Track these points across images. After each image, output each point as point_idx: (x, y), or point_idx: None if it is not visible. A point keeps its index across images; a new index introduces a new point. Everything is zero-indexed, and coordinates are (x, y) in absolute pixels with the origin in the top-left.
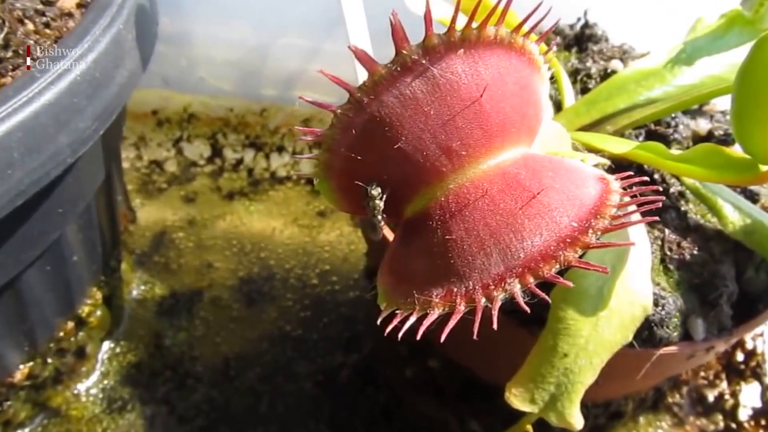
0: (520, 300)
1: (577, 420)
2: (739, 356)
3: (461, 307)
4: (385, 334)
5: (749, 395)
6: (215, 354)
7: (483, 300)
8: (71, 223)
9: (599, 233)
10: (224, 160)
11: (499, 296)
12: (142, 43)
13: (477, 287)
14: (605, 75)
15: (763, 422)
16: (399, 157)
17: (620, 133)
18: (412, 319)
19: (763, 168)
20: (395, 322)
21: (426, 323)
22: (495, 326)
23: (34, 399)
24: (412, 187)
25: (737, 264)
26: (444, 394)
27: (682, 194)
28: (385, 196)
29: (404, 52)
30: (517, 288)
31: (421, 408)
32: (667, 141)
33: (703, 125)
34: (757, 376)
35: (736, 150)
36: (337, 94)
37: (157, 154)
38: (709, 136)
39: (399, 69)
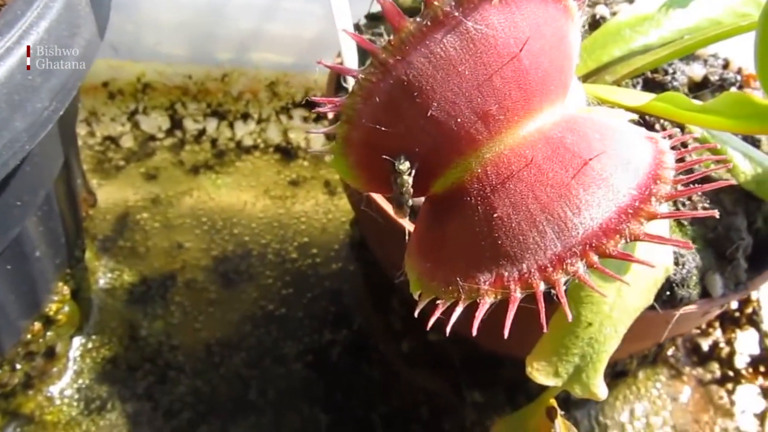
0: (589, 281)
1: (601, 390)
2: (733, 303)
3: (517, 294)
4: (428, 328)
5: (745, 342)
6: (196, 341)
7: (542, 284)
8: (31, 216)
9: (663, 200)
10: (185, 131)
11: (561, 279)
12: (97, 6)
13: (533, 270)
14: (594, 22)
15: (762, 369)
16: (429, 126)
17: (618, 83)
18: (459, 310)
19: None
20: (437, 313)
21: (479, 314)
22: (569, 317)
23: (4, 408)
24: (443, 159)
25: (747, 214)
26: (443, 367)
27: (685, 145)
28: (413, 171)
29: (435, 3)
30: (580, 268)
31: (420, 382)
32: (665, 88)
33: (697, 71)
34: (754, 323)
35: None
36: (298, 54)
37: (111, 130)
38: (705, 82)
39: (429, 24)
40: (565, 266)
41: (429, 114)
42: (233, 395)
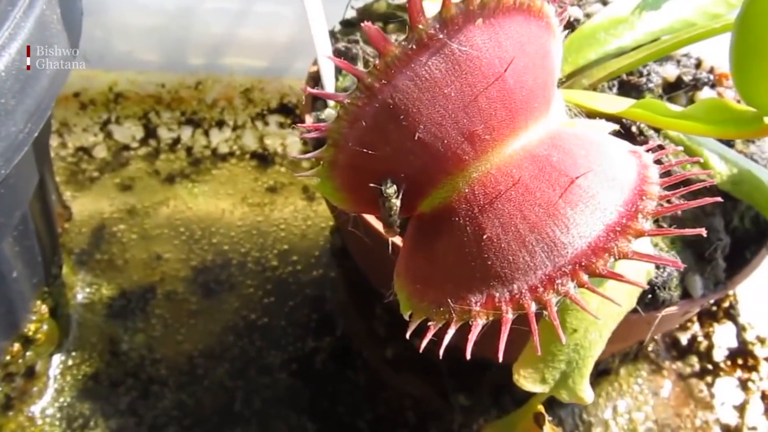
0: (580, 302)
1: (588, 394)
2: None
3: (509, 315)
4: (420, 350)
5: (723, 336)
6: (178, 353)
7: (533, 305)
8: (7, 237)
9: (649, 217)
10: (159, 140)
11: (552, 299)
12: (69, 21)
13: (524, 290)
14: (568, 24)
15: (740, 361)
16: (416, 148)
17: (594, 87)
18: (451, 332)
19: (767, 120)
20: (429, 335)
21: (472, 337)
22: (562, 339)
23: None
24: (430, 179)
25: (724, 214)
26: (428, 372)
27: (661, 147)
28: (401, 193)
29: (420, 26)
30: (571, 288)
31: (406, 387)
32: (640, 90)
33: (671, 71)
34: (731, 317)
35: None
36: (272, 59)
37: (83, 140)
38: (678, 83)
39: (414, 47)
40: (555, 286)
41: (416, 136)
42: (218, 407)
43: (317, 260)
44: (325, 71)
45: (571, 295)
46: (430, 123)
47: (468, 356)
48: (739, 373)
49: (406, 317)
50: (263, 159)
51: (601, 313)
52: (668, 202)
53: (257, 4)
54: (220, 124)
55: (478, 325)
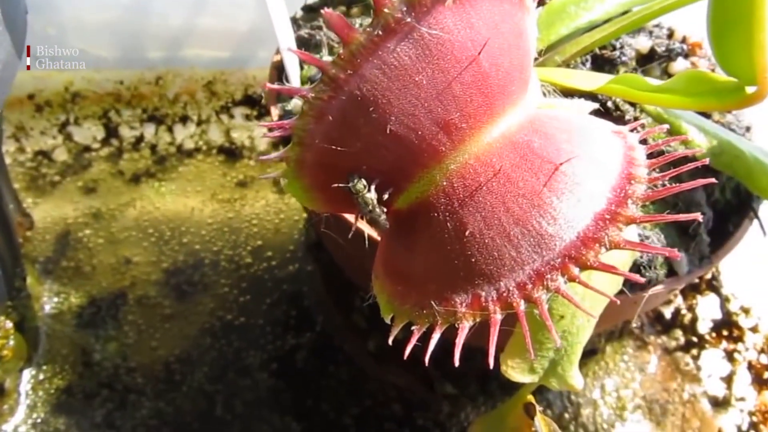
0: (569, 295)
1: (577, 380)
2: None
3: (497, 316)
4: (405, 357)
5: (707, 308)
6: (154, 360)
7: (522, 303)
8: None
9: (639, 202)
10: (121, 139)
11: (542, 296)
12: (12, 25)
13: (511, 288)
14: (539, 1)
15: (725, 332)
16: (388, 142)
17: (567, 63)
18: (437, 335)
19: (749, 90)
20: (414, 340)
21: (459, 341)
22: (557, 341)
23: None
24: (405, 173)
25: (705, 187)
26: (412, 362)
27: (638, 120)
28: (373, 186)
29: (385, 10)
30: (561, 283)
31: (390, 379)
32: (614, 64)
33: (644, 43)
34: (714, 289)
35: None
36: (234, 49)
37: (42, 144)
38: (652, 54)
39: (381, 33)
40: (545, 282)
41: (387, 129)
42: (199, 413)
43: (292, 255)
44: (288, 61)
45: (562, 291)
46: (401, 114)
47: (457, 362)
48: (724, 344)
49: (388, 321)
50: (231, 153)
51: (587, 298)
52: (655, 185)
53: None
54: (184, 119)
55: (465, 327)
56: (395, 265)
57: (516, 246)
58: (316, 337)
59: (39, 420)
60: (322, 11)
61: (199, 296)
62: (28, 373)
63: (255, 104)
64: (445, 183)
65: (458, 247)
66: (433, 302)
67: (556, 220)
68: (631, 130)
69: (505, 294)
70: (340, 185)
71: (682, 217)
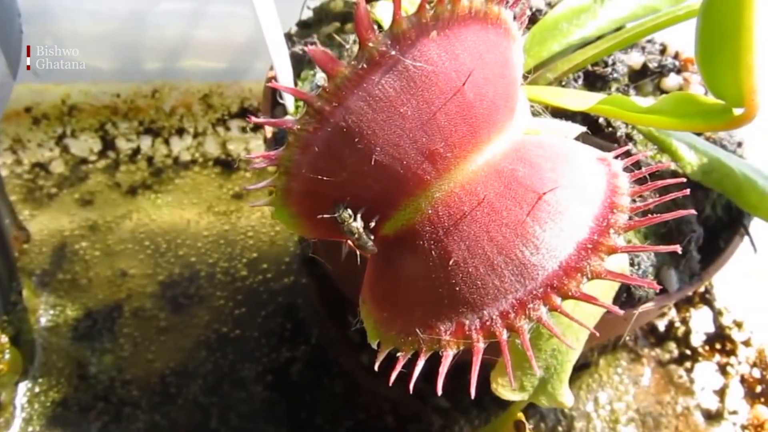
0: (550, 325)
1: (567, 398)
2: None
3: (480, 345)
4: (390, 384)
5: (700, 321)
6: (149, 373)
7: (504, 332)
8: None
9: (621, 232)
10: (118, 152)
11: (525, 325)
12: (6, 40)
13: (494, 317)
14: (531, 16)
15: (717, 345)
16: (373, 172)
17: (559, 80)
18: (421, 363)
19: (736, 112)
20: (398, 367)
21: (442, 370)
22: (536, 370)
23: None
24: (390, 202)
25: (696, 205)
26: (406, 375)
27: (629, 137)
28: (359, 215)
29: (370, 44)
30: (543, 312)
31: (384, 392)
32: (606, 81)
33: (636, 59)
34: (707, 302)
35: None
36: (230, 61)
37: (38, 156)
38: (644, 70)
39: (365, 66)
40: (527, 311)
41: (372, 160)
42: (194, 426)
43: (288, 267)
44: (282, 75)
45: (544, 321)
46: (386, 144)
47: (439, 392)
48: (717, 357)
49: (374, 346)
50: (227, 165)
51: (576, 316)
52: (640, 201)
53: (211, 4)
54: (180, 131)
55: (449, 356)
56: (382, 291)
57: (499, 275)
58: (310, 349)
59: None
60: (306, 48)
61: (194, 309)
62: (23, 386)
63: (251, 116)
64: (430, 211)
65: (443, 275)
66: (418, 329)
67: (538, 249)
68: (616, 157)
69: (488, 323)
70: (326, 215)
71: (662, 249)
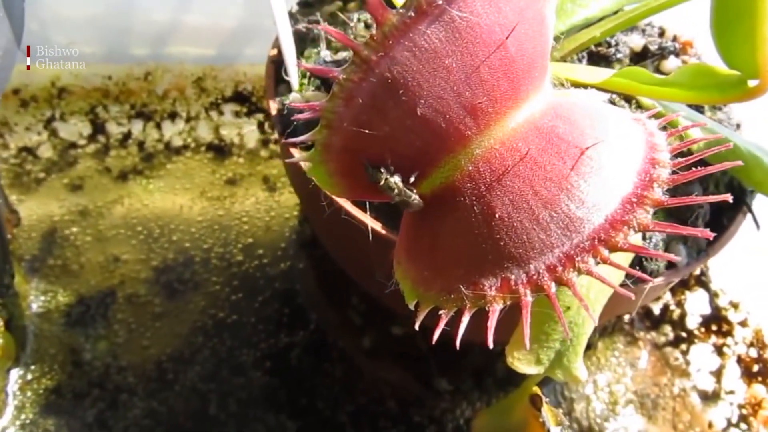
0: (605, 279)
1: (581, 372)
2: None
3: (527, 298)
4: (434, 342)
5: (696, 303)
6: (145, 359)
7: (553, 285)
8: None
9: (664, 185)
10: (109, 136)
11: (574, 277)
12: (10, 11)
13: (541, 270)
14: None
15: (713, 327)
16: (416, 126)
17: (565, 59)
18: (466, 319)
19: (752, 83)
20: (442, 324)
21: (491, 324)
22: (595, 320)
23: None
24: (430, 158)
25: (701, 182)
26: (407, 359)
27: (662, 115)
28: (396, 173)
29: None
30: (592, 264)
31: (385, 376)
32: (609, 61)
33: (637, 41)
34: (703, 284)
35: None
36: (223, 45)
37: (26, 140)
38: (645, 52)
39: (413, 14)
40: (576, 264)
41: (417, 112)
42: (192, 412)
43: (284, 252)
44: (287, 53)
45: (594, 272)
46: (430, 97)
47: (491, 345)
48: (713, 339)
49: (412, 307)
50: (220, 150)
51: (592, 289)
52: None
53: None
54: (173, 115)
55: (495, 310)
56: (419, 251)
57: (545, 229)
58: (309, 334)
59: (28, 421)
60: None
61: (190, 294)
62: (15, 373)
63: (245, 101)
64: (470, 168)
65: (486, 231)
66: (461, 286)
67: (584, 203)
68: (648, 118)
69: (535, 276)
70: (364, 167)
71: (712, 198)
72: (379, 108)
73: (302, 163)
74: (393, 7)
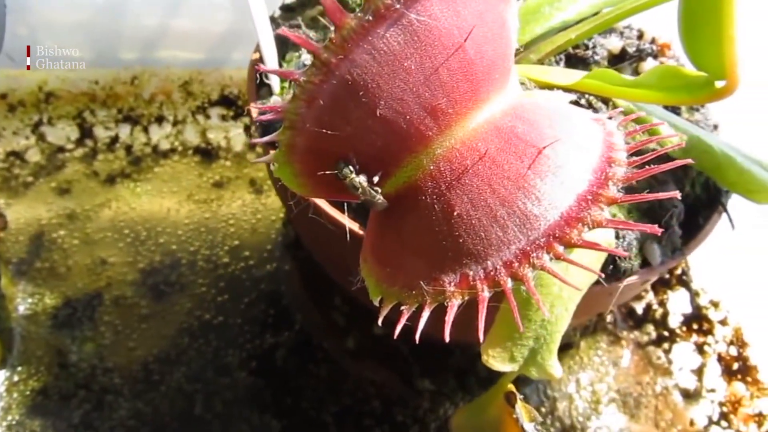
0: (558, 274)
1: (556, 369)
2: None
3: (485, 294)
4: (395, 337)
5: (677, 303)
6: (131, 360)
7: (509, 281)
8: None
9: (619, 183)
10: (96, 140)
11: (529, 273)
12: None
13: (498, 267)
14: None
15: (695, 326)
16: (377, 126)
17: (542, 61)
18: (426, 314)
19: (719, 84)
20: (403, 319)
21: (449, 318)
22: (546, 313)
23: None
24: (392, 158)
25: (676, 182)
26: (391, 359)
27: (624, 114)
28: (359, 170)
29: None
30: (546, 260)
31: (369, 376)
32: (587, 63)
33: (615, 43)
34: (684, 284)
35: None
36: (210, 49)
37: (14, 144)
38: (623, 54)
39: (371, 18)
40: (531, 260)
41: (377, 113)
42: (178, 412)
43: (270, 254)
44: (267, 57)
45: (548, 267)
46: (390, 98)
47: (447, 339)
48: (694, 337)
49: (376, 303)
50: (207, 154)
51: (565, 288)
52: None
53: None
54: (160, 119)
55: (454, 306)
56: (384, 249)
57: (502, 226)
58: (294, 335)
59: (14, 422)
60: None
61: (176, 296)
62: (2, 375)
63: (231, 104)
64: (432, 167)
65: (446, 228)
66: (422, 282)
67: (540, 201)
68: (608, 118)
69: (492, 272)
70: (329, 172)
71: (662, 195)
72: (341, 109)
73: (271, 164)
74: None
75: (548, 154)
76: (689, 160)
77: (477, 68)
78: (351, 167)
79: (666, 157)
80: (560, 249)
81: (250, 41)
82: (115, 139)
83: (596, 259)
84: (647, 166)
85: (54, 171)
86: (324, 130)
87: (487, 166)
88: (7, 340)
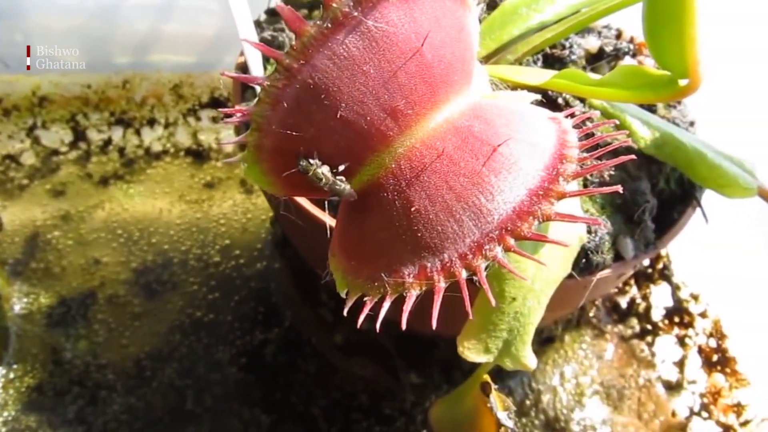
0: (507, 265)
1: (530, 360)
2: (646, 261)
3: (441, 284)
4: (359, 326)
5: (660, 296)
6: (124, 357)
7: (463, 271)
8: None
9: (570, 179)
10: (90, 142)
11: (482, 264)
12: None
13: (454, 259)
14: (491, 2)
15: (676, 319)
16: (339, 127)
17: (519, 61)
18: (386, 305)
19: (682, 82)
20: (366, 310)
21: (406, 307)
22: (492, 302)
23: None
24: (356, 157)
25: (650, 177)
26: (378, 353)
27: (583, 113)
28: (323, 163)
29: (334, 5)
30: (498, 252)
31: (357, 371)
32: (564, 63)
33: (593, 42)
34: (666, 278)
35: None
36: (200, 53)
37: (9, 148)
38: (601, 53)
39: (330, 26)
40: (484, 252)
41: (338, 115)
42: (169, 407)
43: (260, 253)
44: (251, 61)
45: (499, 259)
46: (351, 101)
47: (404, 327)
48: (676, 330)
49: (343, 295)
50: (198, 155)
51: (537, 280)
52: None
53: None
54: (152, 122)
55: (412, 296)
56: (349, 243)
57: (458, 220)
58: (284, 331)
59: (10, 418)
60: (275, 7)
61: (168, 294)
62: None
63: (221, 106)
64: (393, 165)
65: (405, 223)
66: (383, 275)
67: (494, 196)
68: (566, 117)
69: (448, 264)
70: (293, 170)
71: (606, 190)
72: (304, 111)
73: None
74: None
75: (503, 152)
76: (632, 156)
77: (435, 71)
78: (312, 160)
79: (639, 154)
80: (512, 241)
81: (239, 45)
82: (108, 142)
83: (569, 254)
84: (598, 161)
85: (48, 173)
86: (289, 132)
87: (445, 163)
88: (3, 339)
